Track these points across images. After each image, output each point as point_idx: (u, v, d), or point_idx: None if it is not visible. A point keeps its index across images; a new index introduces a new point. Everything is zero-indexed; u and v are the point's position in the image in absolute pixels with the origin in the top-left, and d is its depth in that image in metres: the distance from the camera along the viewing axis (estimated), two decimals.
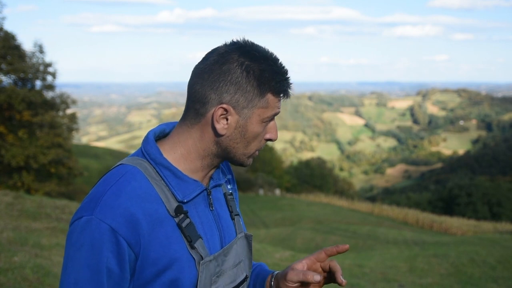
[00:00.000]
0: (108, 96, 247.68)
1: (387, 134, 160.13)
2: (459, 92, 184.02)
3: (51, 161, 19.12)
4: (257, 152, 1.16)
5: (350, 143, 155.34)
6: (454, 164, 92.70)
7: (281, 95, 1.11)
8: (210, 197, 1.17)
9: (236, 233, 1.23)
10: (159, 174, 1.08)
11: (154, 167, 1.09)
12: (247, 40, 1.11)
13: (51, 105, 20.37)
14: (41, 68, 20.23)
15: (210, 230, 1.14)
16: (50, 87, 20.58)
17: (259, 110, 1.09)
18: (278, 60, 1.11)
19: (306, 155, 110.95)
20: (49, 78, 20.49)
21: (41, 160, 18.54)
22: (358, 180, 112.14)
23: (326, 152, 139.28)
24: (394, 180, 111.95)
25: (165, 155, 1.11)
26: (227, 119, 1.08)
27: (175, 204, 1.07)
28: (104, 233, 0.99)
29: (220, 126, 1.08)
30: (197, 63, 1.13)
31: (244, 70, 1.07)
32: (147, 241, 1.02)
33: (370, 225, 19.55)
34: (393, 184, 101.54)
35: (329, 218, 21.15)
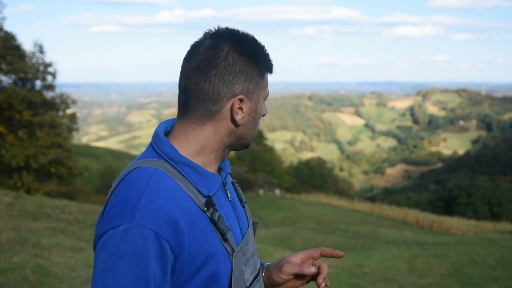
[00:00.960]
0: (108, 96, 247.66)
1: (387, 134, 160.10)
2: (459, 92, 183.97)
3: (51, 161, 19.12)
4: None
5: (350, 143, 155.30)
6: (454, 164, 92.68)
7: (271, 71, 1.16)
8: (226, 187, 1.20)
9: (248, 220, 1.25)
10: (180, 173, 1.08)
11: (174, 166, 1.08)
12: (227, 28, 1.13)
13: (51, 105, 20.36)
14: (41, 68, 20.23)
15: (233, 220, 1.16)
16: (50, 87, 20.58)
17: (263, 91, 1.14)
18: (256, 39, 1.15)
19: (306, 155, 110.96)
20: (49, 78, 20.50)
21: (41, 160, 18.54)
22: (358, 180, 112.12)
23: (326, 152, 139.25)
24: (394, 180, 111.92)
25: (181, 153, 1.10)
26: (241, 108, 1.10)
27: (203, 199, 1.07)
28: (148, 239, 0.97)
29: (239, 116, 1.10)
30: (185, 57, 1.12)
31: (247, 57, 1.09)
32: (187, 241, 1.01)
33: (370, 225, 19.55)
34: (393, 184, 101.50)
35: (329, 218, 21.16)
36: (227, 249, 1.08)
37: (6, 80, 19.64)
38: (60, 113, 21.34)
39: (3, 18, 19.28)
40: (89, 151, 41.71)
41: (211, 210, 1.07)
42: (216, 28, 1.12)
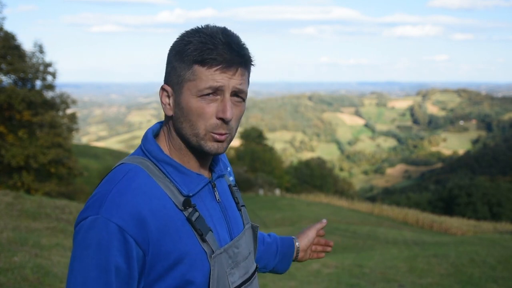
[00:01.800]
0: (108, 96, 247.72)
1: (387, 134, 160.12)
2: (459, 92, 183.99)
3: (51, 161, 19.12)
4: (216, 135, 1.07)
5: (350, 143, 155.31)
6: (454, 164, 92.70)
7: (211, 64, 1.04)
8: (215, 189, 1.18)
9: (244, 225, 1.23)
10: (161, 171, 1.09)
11: (156, 165, 1.09)
12: (201, 24, 1.10)
13: (51, 105, 20.36)
14: (41, 68, 20.23)
15: (219, 222, 1.14)
16: (50, 87, 20.57)
17: (187, 83, 1.06)
18: (220, 33, 1.06)
19: (306, 155, 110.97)
20: (49, 78, 20.49)
21: (41, 160, 18.54)
22: (358, 180, 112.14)
23: (326, 152, 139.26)
24: (394, 180, 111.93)
25: (164, 152, 1.12)
26: (168, 98, 1.10)
27: (182, 198, 1.07)
28: (111, 232, 0.98)
29: (165, 107, 1.10)
30: None
31: (172, 49, 1.09)
32: (156, 237, 1.01)
33: (370, 225, 19.55)
34: (393, 184, 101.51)
35: (329, 218, 21.15)
36: (205, 250, 1.07)
37: (6, 80, 19.64)
38: (60, 113, 21.33)
39: (3, 18, 19.28)
40: (89, 151, 41.73)
41: (189, 210, 1.06)
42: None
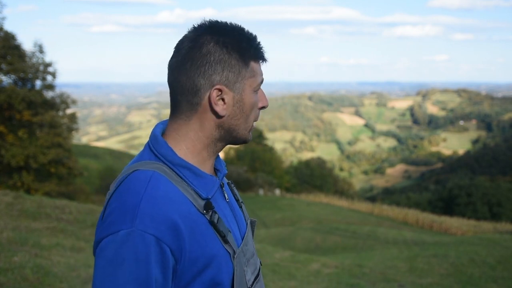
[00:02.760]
0: (108, 96, 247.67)
1: (387, 134, 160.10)
2: (459, 92, 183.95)
3: (51, 161, 19.11)
4: (254, 124, 1.16)
5: (350, 143, 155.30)
6: (454, 164, 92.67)
7: (260, 59, 1.13)
8: (223, 189, 1.19)
9: (246, 220, 1.25)
10: (178, 175, 1.07)
11: (172, 169, 1.07)
12: (210, 20, 1.12)
13: (51, 105, 20.35)
14: (41, 68, 20.22)
15: (232, 222, 1.15)
16: (50, 87, 20.56)
17: (249, 80, 1.10)
18: (245, 28, 1.12)
19: (306, 155, 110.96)
20: (49, 78, 20.48)
21: (41, 160, 18.53)
22: (358, 180, 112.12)
23: (326, 152, 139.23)
24: (394, 180, 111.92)
25: (178, 155, 1.10)
26: (223, 99, 1.08)
27: (202, 202, 1.07)
28: (149, 244, 0.95)
29: (220, 107, 1.08)
30: (170, 59, 1.13)
31: (223, 47, 1.07)
32: (187, 244, 1.00)
33: (370, 225, 19.55)
34: (393, 184, 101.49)
35: (329, 218, 21.15)
36: (228, 251, 1.08)
37: (6, 80, 19.63)
38: (60, 113, 21.33)
39: (3, 18, 19.28)
40: (89, 151, 41.69)
41: (210, 213, 1.06)
42: (203, 21, 1.11)
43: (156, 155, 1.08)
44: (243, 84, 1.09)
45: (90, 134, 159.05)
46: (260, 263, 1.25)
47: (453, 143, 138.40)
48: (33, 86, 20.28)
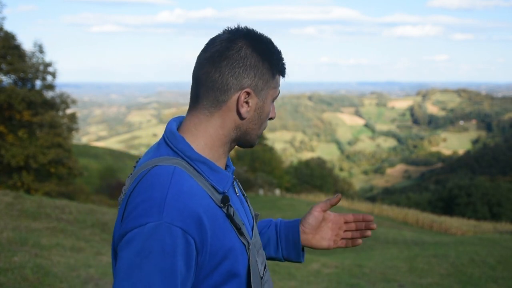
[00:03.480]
0: (108, 96, 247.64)
1: (387, 134, 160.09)
2: (459, 92, 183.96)
3: (51, 161, 19.11)
4: (260, 132, 1.23)
5: (350, 143, 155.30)
6: (454, 164, 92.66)
7: (283, 75, 1.22)
8: (234, 183, 1.23)
9: (252, 214, 1.30)
10: (196, 170, 1.10)
11: (190, 164, 1.10)
12: (246, 26, 1.18)
13: (51, 105, 20.34)
14: (41, 68, 20.21)
15: (243, 215, 1.20)
16: (50, 87, 20.56)
17: (271, 90, 1.18)
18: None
19: (306, 155, 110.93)
20: (49, 78, 20.47)
21: (41, 160, 18.52)
22: (358, 180, 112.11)
23: (326, 152, 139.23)
24: (394, 180, 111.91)
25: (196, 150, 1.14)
26: (248, 103, 1.14)
27: (219, 196, 1.11)
28: (176, 236, 0.98)
29: (244, 109, 1.13)
30: (199, 54, 1.16)
31: (259, 54, 1.13)
32: (209, 237, 1.04)
33: None
34: (393, 184, 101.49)
35: None
36: (244, 242, 1.12)
37: (6, 80, 19.63)
38: (60, 113, 21.32)
39: (3, 18, 19.27)
40: (89, 151, 41.67)
41: (227, 206, 1.10)
42: (236, 26, 1.17)
43: (175, 150, 1.11)
44: (267, 92, 1.16)
45: (90, 134, 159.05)
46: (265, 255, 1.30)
47: (453, 143, 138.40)
48: (33, 86, 20.27)
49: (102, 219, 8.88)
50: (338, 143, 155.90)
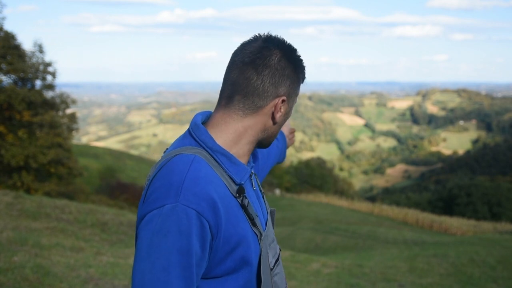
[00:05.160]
0: (108, 96, 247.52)
1: (387, 134, 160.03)
2: (459, 92, 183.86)
3: (51, 161, 19.10)
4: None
5: (350, 143, 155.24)
6: (454, 164, 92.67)
7: (303, 81, 1.32)
8: (252, 178, 1.31)
9: (267, 209, 1.36)
10: (215, 161, 1.18)
11: (211, 155, 1.18)
12: (277, 35, 1.26)
13: (51, 105, 20.33)
14: (41, 67, 20.20)
15: (258, 208, 1.27)
16: (50, 86, 20.54)
17: (295, 97, 1.28)
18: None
19: (306, 155, 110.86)
20: (49, 77, 20.45)
21: (41, 160, 18.52)
22: (358, 180, 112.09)
23: (326, 152, 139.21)
24: (394, 180, 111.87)
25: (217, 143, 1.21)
26: (281, 108, 1.23)
27: (235, 187, 1.18)
28: (191, 217, 1.05)
29: (279, 115, 1.23)
30: (236, 52, 1.23)
31: (294, 64, 1.23)
32: (223, 222, 1.10)
33: (370, 225, 19.55)
34: (393, 184, 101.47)
35: (329, 218, 21.14)
36: (256, 233, 1.19)
37: (6, 80, 19.62)
38: (60, 113, 21.30)
39: (3, 18, 19.25)
40: (89, 151, 41.64)
41: (242, 197, 1.17)
42: (267, 34, 1.24)
43: (197, 141, 1.19)
44: (294, 99, 1.28)
45: (90, 134, 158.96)
46: (280, 249, 1.35)
47: (453, 143, 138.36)
48: (33, 86, 20.26)
49: (102, 219, 8.88)
50: (338, 143, 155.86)
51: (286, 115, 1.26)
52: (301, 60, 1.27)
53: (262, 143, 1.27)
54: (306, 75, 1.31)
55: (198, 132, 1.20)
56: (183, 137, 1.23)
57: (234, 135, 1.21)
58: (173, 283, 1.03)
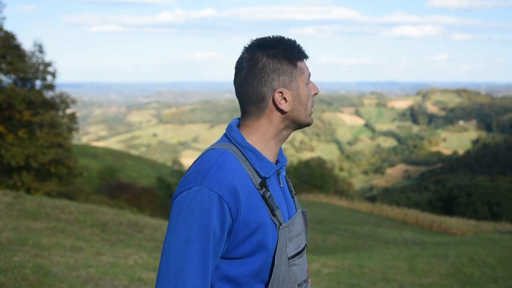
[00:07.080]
0: (108, 96, 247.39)
1: (387, 134, 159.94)
2: (459, 92, 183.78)
3: (51, 161, 19.09)
4: (313, 109, 1.42)
5: (350, 143, 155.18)
6: (454, 164, 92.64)
7: (304, 58, 1.39)
8: (280, 176, 1.44)
9: (296, 209, 1.47)
10: (244, 156, 1.34)
11: (240, 150, 1.34)
12: (257, 38, 1.38)
13: (51, 105, 20.33)
14: (41, 67, 20.20)
15: (282, 203, 1.39)
16: (50, 86, 20.53)
17: (300, 77, 1.37)
18: (284, 36, 1.38)
19: (306, 155, 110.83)
20: (49, 77, 20.44)
21: (41, 159, 18.51)
22: (358, 180, 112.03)
23: (326, 152, 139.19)
24: (394, 180, 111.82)
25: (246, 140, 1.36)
26: (285, 98, 1.35)
27: (259, 180, 1.32)
28: (213, 199, 1.22)
29: (283, 105, 1.35)
30: (234, 78, 1.39)
31: (274, 58, 1.33)
32: (243, 208, 1.25)
33: (370, 225, 19.55)
34: (393, 184, 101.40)
35: (329, 218, 21.14)
36: (275, 222, 1.31)
37: (6, 80, 19.62)
38: (60, 113, 21.30)
39: (3, 18, 19.25)
40: (89, 151, 41.65)
41: (264, 190, 1.31)
42: (249, 42, 1.37)
43: (230, 139, 1.37)
44: (297, 82, 1.36)
45: (90, 134, 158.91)
46: (305, 245, 1.46)
47: (453, 143, 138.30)
48: (33, 86, 20.26)
49: (102, 219, 8.88)
50: (338, 143, 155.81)
51: (298, 98, 1.36)
52: (284, 46, 1.35)
53: (293, 127, 1.41)
54: (301, 51, 1.37)
55: (231, 131, 1.38)
56: (221, 136, 1.41)
57: (258, 134, 1.37)
58: (191, 254, 1.20)
